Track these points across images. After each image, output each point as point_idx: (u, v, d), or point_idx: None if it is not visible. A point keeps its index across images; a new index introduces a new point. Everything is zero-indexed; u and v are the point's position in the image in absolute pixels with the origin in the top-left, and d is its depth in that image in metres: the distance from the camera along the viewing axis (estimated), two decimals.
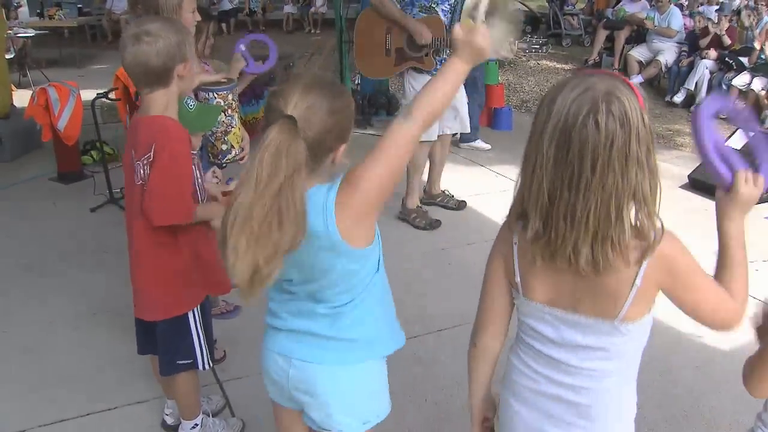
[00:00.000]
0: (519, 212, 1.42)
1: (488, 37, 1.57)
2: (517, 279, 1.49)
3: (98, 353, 3.29)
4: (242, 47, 3.36)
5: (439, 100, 1.57)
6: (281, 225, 1.36)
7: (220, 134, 3.20)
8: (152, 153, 2.11)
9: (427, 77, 4.42)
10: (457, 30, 1.57)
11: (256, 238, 1.35)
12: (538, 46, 4.62)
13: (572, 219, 1.31)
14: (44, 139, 5.67)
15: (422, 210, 4.98)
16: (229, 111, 3.17)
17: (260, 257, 1.35)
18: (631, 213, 1.33)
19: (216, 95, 3.09)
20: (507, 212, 1.48)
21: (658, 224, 1.36)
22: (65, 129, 5.44)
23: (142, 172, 2.16)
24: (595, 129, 1.26)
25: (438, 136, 4.71)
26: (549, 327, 1.48)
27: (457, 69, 1.58)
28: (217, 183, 2.88)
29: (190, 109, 2.71)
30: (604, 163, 1.27)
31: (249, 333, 3.43)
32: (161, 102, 2.16)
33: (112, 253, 4.18)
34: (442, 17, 4.48)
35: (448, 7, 4.49)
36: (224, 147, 3.23)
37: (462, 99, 4.78)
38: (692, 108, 1.59)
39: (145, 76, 2.11)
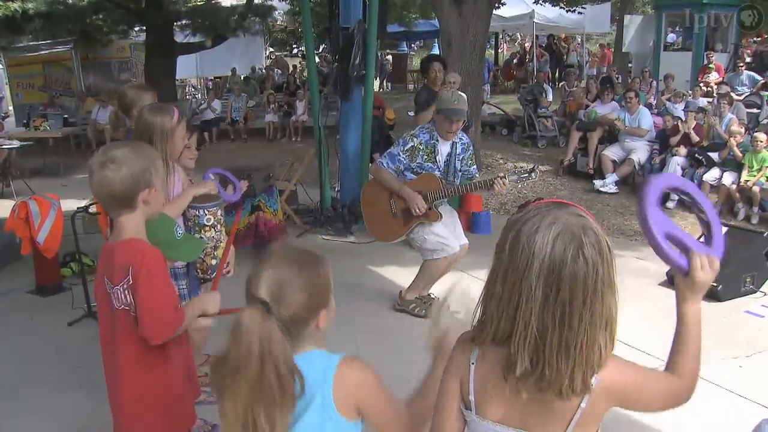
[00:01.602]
0: (481, 339, 1.45)
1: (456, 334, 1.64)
2: (471, 397, 1.51)
3: None
4: (211, 176, 3.47)
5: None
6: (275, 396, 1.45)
7: (209, 249, 3.30)
8: (130, 276, 2.13)
9: (429, 228, 4.82)
10: (432, 343, 1.75)
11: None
12: (527, 174, 4.78)
13: (566, 353, 1.34)
14: (23, 252, 5.66)
15: (422, 300, 5.10)
16: (218, 226, 3.27)
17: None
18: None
19: (207, 212, 3.18)
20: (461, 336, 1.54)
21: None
22: (45, 242, 5.44)
23: (123, 297, 2.17)
24: (584, 263, 1.32)
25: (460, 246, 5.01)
26: None
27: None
28: None
29: (178, 236, 2.76)
30: (593, 294, 1.33)
31: None
32: (131, 226, 2.21)
33: (89, 368, 4.07)
34: (436, 173, 4.85)
35: (440, 173, 4.87)
36: (213, 262, 3.33)
37: (455, 215, 5.17)
38: (638, 194, 1.64)
39: (110, 201, 2.19)
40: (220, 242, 3.36)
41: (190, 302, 2.43)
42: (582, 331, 1.33)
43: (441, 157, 4.87)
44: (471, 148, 5.03)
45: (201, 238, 3.24)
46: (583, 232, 1.34)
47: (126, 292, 2.16)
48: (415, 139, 4.86)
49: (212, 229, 3.27)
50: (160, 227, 2.55)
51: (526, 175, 4.78)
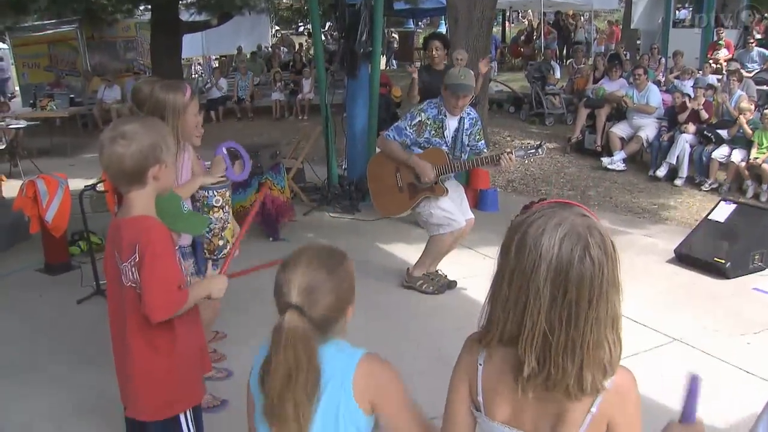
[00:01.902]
0: (488, 340, 1.46)
1: None
2: (480, 398, 1.52)
3: None
4: (224, 150, 3.47)
5: None
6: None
7: (217, 230, 3.34)
8: (137, 254, 2.13)
9: (435, 202, 4.83)
10: None
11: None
12: (533, 150, 4.75)
13: (572, 353, 1.35)
14: (32, 231, 5.68)
15: (429, 276, 5.10)
16: (226, 207, 3.28)
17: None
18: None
19: (216, 192, 3.21)
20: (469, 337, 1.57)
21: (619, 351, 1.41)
22: (53, 220, 5.46)
23: (131, 274, 2.18)
24: (591, 263, 1.33)
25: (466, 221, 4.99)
26: None
27: None
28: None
29: (184, 211, 2.76)
30: (599, 295, 1.33)
31: (236, 428, 3.37)
32: (140, 202, 2.20)
33: (97, 346, 4.11)
34: (444, 148, 4.82)
35: (447, 148, 4.84)
36: (221, 242, 3.36)
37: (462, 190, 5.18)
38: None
39: (120, 177, 2.18)
40: (228, 223, 3.38)
41: (196, 284, 2.42)
42: (588, 331, 1.33)
43: (449, 132, 4.84)
44: (479, 122, 4.99)
45: (210, 220, 3.25)
46: (589, 233, 1.35)
47: (133, 269, 2.16)
48: (422, 114, 4.83)
49: (220, 210, 3.29)
50: (168, 201, 2.55)
51: (533, 150, 4.75)
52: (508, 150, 4.72)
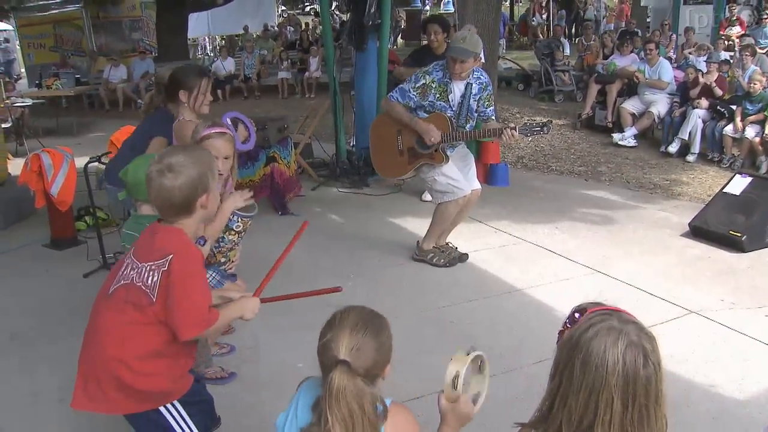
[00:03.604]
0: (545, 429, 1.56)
1: (470, 402, 1.83)
2: None
3: (85, 427, 3.16)
4: (228, 121, 3.61)
5: None
6: None
7: (225, 250, 3.39)
8: (167, 264, 2.12)
9: (439, 168, 4.74)
10: (443, 402, 1.80)
11: None
12: (539, 129, 4.64)
13: None
14: (37, 205, 5.64)
15: (439, 249, 5.04)
16: (242, 234, 3.37)
17: None
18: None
19: (239, 219, 3.27)
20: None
21: None
22: (59, 194, 5.41)
23: (147, 277, 2.14)
24: (653, 367, 1.47)
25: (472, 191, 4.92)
26: None
27: None
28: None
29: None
30: (659, 393, 1.48)
31: (246, 399, 3.33)
32: (185, 229, 2.24)
33: None
34: (449, 113, 4.70)
35: (452, 113, 4.72)
36: (222, 259, 3.41)
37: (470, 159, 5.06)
38: None
39: (168, 208, 2.22)
40: (237, 246, 3.45)
41: (229, 305, 2.37)
42: (656, 427, 1.48)
43: (454, 97, 4.70)
44: (490, 87, 4.85)
45: (223, 238, 3.27)
46: (644, 339, 1.48)
47: (153, 272, 2.13)
48: (427, 77, 4.71)
49: (236, 235, 3.33)
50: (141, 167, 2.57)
51: (539, 129, 4.64)
52: (512, 125, 4.66)
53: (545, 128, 4.63)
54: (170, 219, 2.24)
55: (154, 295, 2.12)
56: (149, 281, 2.13)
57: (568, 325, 1.62)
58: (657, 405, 1.47)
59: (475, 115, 4.79)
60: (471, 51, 4.56)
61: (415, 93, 4.70)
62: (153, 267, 2.13)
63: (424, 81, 4.70)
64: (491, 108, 4.87)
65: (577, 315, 1.62)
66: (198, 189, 2.20)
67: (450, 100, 4.70)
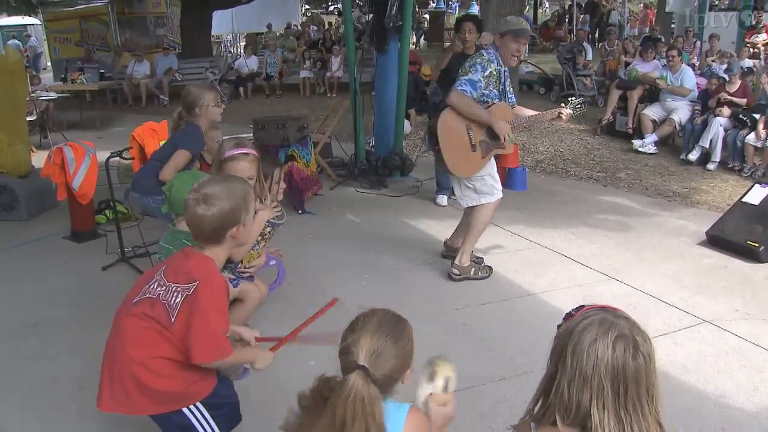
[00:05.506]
0: (544, 421, 1.62)
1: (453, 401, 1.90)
2: None
3: (102, 415, 3.21)
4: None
5: None
6: None
7: (254, 255, 3.51)
8: (194, 291, 2.21)
9: (490, 168, 4.81)
10: (432, 406, 1.87)
11: None
12: (580, 106, 5.00)
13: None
14: (59, 198, 5.73)
15: (475, 261, 4.96)
16: (267, 236, 3.48)
17: None
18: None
19: (272, 228, 3.45)
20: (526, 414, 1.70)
21: None
22: (80, 188, 5.49)
23: (172, 297, 2.23)
24: (643, 359, 1.52)
25: None
26: None
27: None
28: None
29: None
30: (650, 385, 1.53)
31: (258, 395, 3.36)
32: (213, 255, 2.35)
33: None
34: (496, 101, 4.70)
35: (496, 93, 4.69)
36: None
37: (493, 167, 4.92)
38: None
39: (199, 235, 2.33)
40: (254, 249, 3.47)
41: (246, 350, 2.51)
42: (648, 416, 1.52)
43: (503, 84, 4.70)
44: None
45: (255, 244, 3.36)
46: (636, 332, 1.55)
47: (178, 294, 2.22)
48: (492, 65, 4.55)
49: (262, 240, 3.42)
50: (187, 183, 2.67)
51: (580, 106, 4.99)
52: (563, 104, 4.95)
53: (584, 104, 5.03)
54: (201, 244, 2.34)
55: (173, 316, 2.21)
56: (173, 301, 2.23)
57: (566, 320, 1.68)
58: (649, 397, 1.52)
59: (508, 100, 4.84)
60: (530, 32, 4.78)
61: (484, 83, 4.56)
62: (179, 288, 2.23)
63: (490, 69, 4.55)
64: (513, 94, 4.94)
65: (573, 312, 1.67)
66: (229, 222, 2.29)
67: (501, 88, 4.69)
